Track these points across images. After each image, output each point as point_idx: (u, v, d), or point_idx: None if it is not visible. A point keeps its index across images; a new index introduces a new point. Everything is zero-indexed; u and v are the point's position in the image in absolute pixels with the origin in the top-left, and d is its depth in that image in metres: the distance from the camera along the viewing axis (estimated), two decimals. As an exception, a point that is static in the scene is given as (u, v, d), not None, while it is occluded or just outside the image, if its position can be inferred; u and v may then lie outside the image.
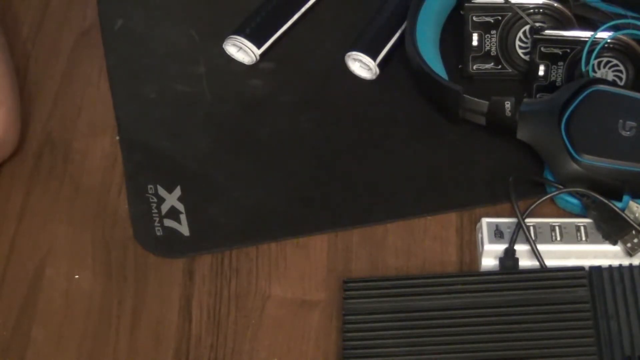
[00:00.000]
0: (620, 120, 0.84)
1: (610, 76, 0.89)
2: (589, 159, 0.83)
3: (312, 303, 0.84)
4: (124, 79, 0.97)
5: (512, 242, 0.82)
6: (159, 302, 0.84)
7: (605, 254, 0.82)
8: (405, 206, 0.88)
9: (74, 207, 0.89)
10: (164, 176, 0.90)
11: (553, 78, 0.90)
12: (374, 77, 0.95)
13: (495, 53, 0.93)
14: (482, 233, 0.84)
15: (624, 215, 0.82)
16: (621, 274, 0.79)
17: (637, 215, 0.83)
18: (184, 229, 0.87)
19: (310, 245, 0.87)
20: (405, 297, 0.79)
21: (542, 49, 0.89)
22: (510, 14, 0.91)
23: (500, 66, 0.93)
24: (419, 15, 0.93)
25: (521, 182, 0.86)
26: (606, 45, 0.88)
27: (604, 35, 0.88)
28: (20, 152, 0.92)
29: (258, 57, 0.96)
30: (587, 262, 0.81)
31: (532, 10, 0.91)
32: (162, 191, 0.89)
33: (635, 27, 0.88)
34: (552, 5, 0.90)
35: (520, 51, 0.92)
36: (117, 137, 0.93)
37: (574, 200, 0.85)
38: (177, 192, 0.89)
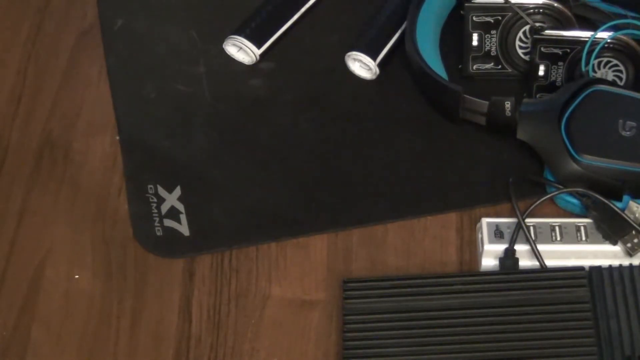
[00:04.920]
0: (620, 120, 0.84)
1: (610, 76, 0.89)
2: (589, 159, 0.83)
3: (312, 303, 0.84)
4: (124, 79, 0.97)
5: (512, 242, 0.82)
6: (159, 302, 0.84)
7: (605, 254, 0.82)
8: (405, 206, 0.88)
9: (74, 207, 0.89)
10: (164, 176, 0.90)
11: (553, 78, 0.90)
12: (374, 77, 0.95)
13: (495, 53, 0.93)
14: (482, 233, 0.84)
15: (624, 215, 0.82)
16: (621, 274, 0.79)
17: (637, 215, 0.83)
18: (184, 229, 0.87)
19: (310, 245, 0.87)
20: (405, 297, 0.79)
21: (542, 49, 0.89)
22: (510, 14, 0.91)
23: (500, 66, 0.93)
24: (419, 15, 0.93)
25: (521, 182, 0.86)
26: (606, 45, 0.88)
27: (604, 35, 0.88)
28: (20, 152, 0.93)
29: (258, 57, 0.96)
30: (587, 262, 0.81)
31: (532, 10, 0.91)
32: (162, 191, 0.89)
33: (635, 27, 0.88)
34: (552, 5, 0.90)
35: (520, 51, 0.92)
36: (117, 137, 0.93)
37: (574, 200, 0.85)
38: (177, 192, 0.89)
